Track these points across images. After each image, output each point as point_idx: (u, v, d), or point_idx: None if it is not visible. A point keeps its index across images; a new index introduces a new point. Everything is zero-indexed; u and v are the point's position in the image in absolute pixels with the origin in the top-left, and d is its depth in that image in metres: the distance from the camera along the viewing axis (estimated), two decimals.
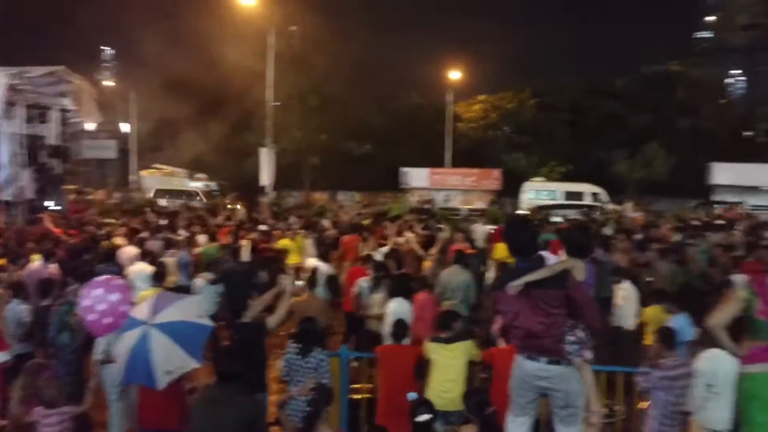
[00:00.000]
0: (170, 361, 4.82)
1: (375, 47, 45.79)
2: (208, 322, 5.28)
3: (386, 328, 7.37)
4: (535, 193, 33.83)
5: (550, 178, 38.97)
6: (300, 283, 8.48)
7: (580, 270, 4.32)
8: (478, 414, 4.78)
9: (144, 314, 5.09)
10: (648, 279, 10.11)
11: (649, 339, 8.17)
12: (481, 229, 15.76)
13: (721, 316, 4.30)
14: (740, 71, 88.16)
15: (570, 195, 32.74)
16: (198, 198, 31.36)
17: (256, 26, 31.97)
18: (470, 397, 5.12)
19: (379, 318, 8.15)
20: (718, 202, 31.52)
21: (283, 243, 13.06)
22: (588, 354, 4.32)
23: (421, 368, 6.05)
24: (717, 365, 4.89)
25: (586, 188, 33.42)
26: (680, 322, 7.06)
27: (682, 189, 38.51)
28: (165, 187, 33.53)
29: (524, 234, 4.55)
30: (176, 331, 4.93)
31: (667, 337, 5.72)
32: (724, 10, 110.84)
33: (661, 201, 36.42)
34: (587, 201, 31.17)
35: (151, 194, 32.13)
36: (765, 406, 4.09)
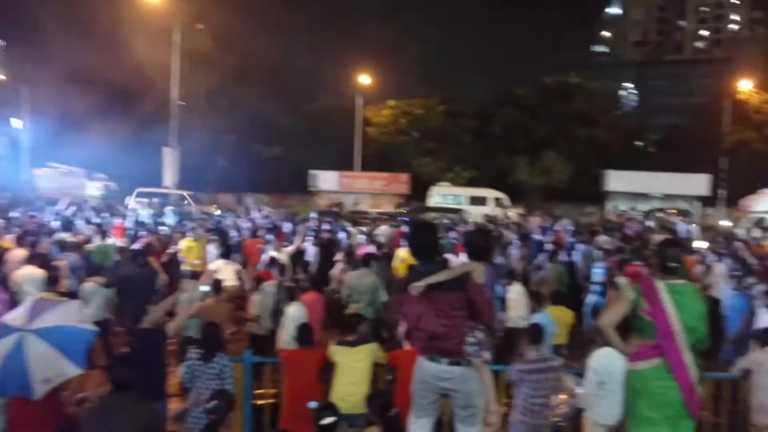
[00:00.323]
0: (49, 368, 4.58)
1: (286, 49, 45.27)
2: (91, 327, 5.05)
3: (286, 332, 7.36)
4: (441, 197, 34.48)
5: (455, 183, 39.84)
6: (204, 287, 8.29)
7: (480, 272, 4.44)
8: (382, 416, 4.82)
9: (19, 321, 4.79)
10: (539, 280, 10.57)
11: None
12: (388, 232, 15.97)
13: (610, 316, 4.52)
14: (633, 85, 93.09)
15: (474, 200, 33.61)
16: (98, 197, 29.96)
17: (162, 22, 31.00)
18: (373, 400, 5.16)
19: (255, 320, 8.19)
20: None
21: (187, 245, 12.73)
22: (487, 355, 4.44)
23: (326, 372, 6.04)
24: (609, 363, 5.12)
25: (490, 193, 34.39)
26: (545, 319, 7.44)
27: (580, 195, 40.44)
28: (57, 186, 31.76)
29: (427, 237, 4.63)
30: (55, 337, 4.68)
31: (532, 333, 5.98)
32: (618, 27, 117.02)
33: (561, 206, 37.99)
34: (491, 206, 32.11)
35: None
36: (651, 401, 4.31)
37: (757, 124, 42.38)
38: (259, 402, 6.56)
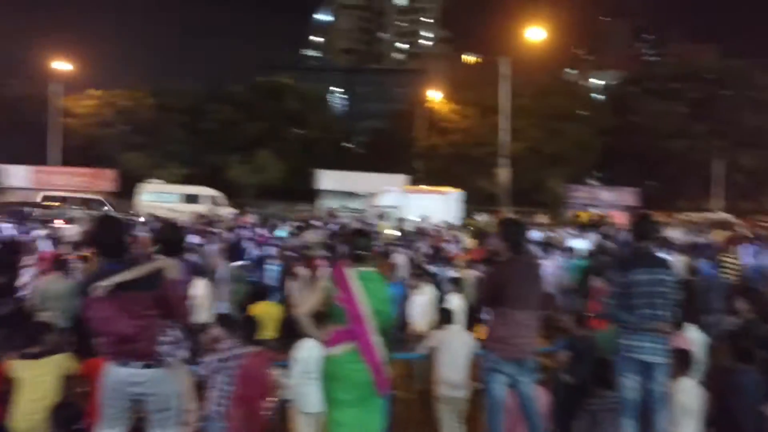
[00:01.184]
0: None
1: None
2: None
3: None
4: (153, 195, 32.81)
5: (168, 180, 38.26)
6: None
7: (173, 269, 4.26)
8: (66, 430, 4.40)
9: None
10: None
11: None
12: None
13: (306, 305, 4.67)
14: (342, 89, 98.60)
15: (188, 198, 32.62)
16: None
17: None
18: (58, 412, 4.69)
19: None
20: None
21: None
22: (182, 353, 4.29)
23: (6, 391, 5.30)
24: (310, 352, 5.31)
25: (204, 191, 33.68)
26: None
27: (294, 193, 41.62)
28: None
29: (112, 233, 4.32)
30: None
31: (224, 323, 5.98)
32: (329, 33, 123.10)
33: (275, 204, 38.66)
34: (205, 204, 31.41)
35: None
36: (344, 384, 4.52)
37: (444, 131, 47.77)
38: None
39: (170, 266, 4.24)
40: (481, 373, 5.60)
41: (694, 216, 32.06)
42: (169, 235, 5.03)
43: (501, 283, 5.00)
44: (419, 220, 20.66)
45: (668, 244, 12.23)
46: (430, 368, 7.06)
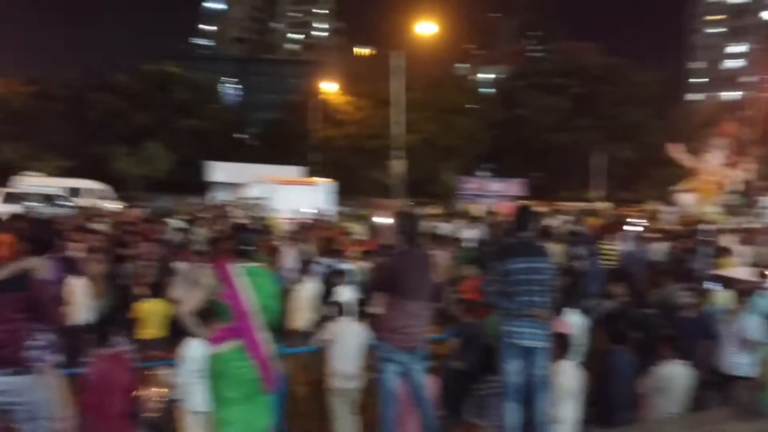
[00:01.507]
0: None
1: None
2: None
3: None
4: (30, 188, 30.71)
5: (49, 173, 36.02)
6: None
7: (42, 269, 4.00)
8: None
9: None
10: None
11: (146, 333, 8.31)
12: None
13: (189, 302, 4.51)
14: (235, 79, 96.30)
15: (71, 191, 30.81)
16: None
17: None
18: None
19: None
20: None
21: None
22: (54, 358, 4.03)
23: None
24: (197, 351, 5.15)
25: (88, 184, 31.96)
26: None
27: (184, 186, 40.29)
28: None
29: None
30: None
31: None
32: (221, 22, 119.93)
33: (165, 197, 37.31)
34: (89, 198, 29.80)
35: None
36: (230, 382, 4.41)
37: (339, 122, 47.79)
38: None
39: (38, 266, 3.97)
40: (374, 364, 5.64)
41: (572, 205, 33.80)
42: (40, 233, 4.71)
43: (395, 274, 5.05)
44: (289, 212, 20.03)
45: (548, 233, 12.77)
46: (323, 361, 7.04)
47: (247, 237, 4.62)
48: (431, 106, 45.38)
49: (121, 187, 35.99)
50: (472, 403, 5.73)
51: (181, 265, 8.92)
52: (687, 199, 23.96)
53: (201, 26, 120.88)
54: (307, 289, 9.29)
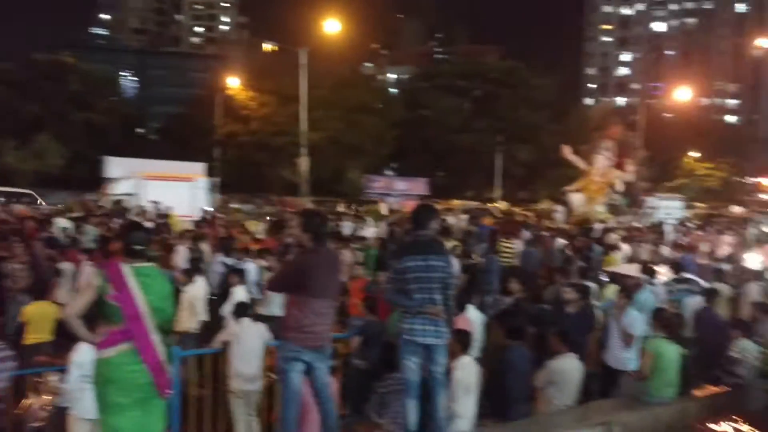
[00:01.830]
0: None
1: None
2: None
3: None
4: None
5: None
6: None
7: None
8: None
9: None
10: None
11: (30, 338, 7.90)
12: None
13: (75, 304, 4.28)
14: (133, 71, 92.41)
15: None
16: None
17: None
18: None
19: None
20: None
21: None
22: None
23: None
24: (87, 355, 4.93)
25: None
26: None
27: (79, 181, 38.36)
28: None
29: None
30: None
31: None
32: (118, 11, 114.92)
33: (57, 193, 35.38)
34: None
35: None
36: (121, 387, 4.21)
37: (244, 118, 46.87)
38: None
39: None
40: (276, 364, 5.57)
41: (468, 204, 34.79)
42: None
43: (303, 273, 5.02)
44: (158, 208, 18.69)
45: (448, 231, 13.05)
46: (224, 363, 6.90)
47: (139, 236, 4.42)
48: (338, 105, 45.32)
49: (7, 183, 33.85)
50: (374, 401, 5.76)
51: (66, 266, 8.57)
52: (577, 199, 25.03)
53: (100, 15, 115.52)
54: (197, 289, 9.07)
